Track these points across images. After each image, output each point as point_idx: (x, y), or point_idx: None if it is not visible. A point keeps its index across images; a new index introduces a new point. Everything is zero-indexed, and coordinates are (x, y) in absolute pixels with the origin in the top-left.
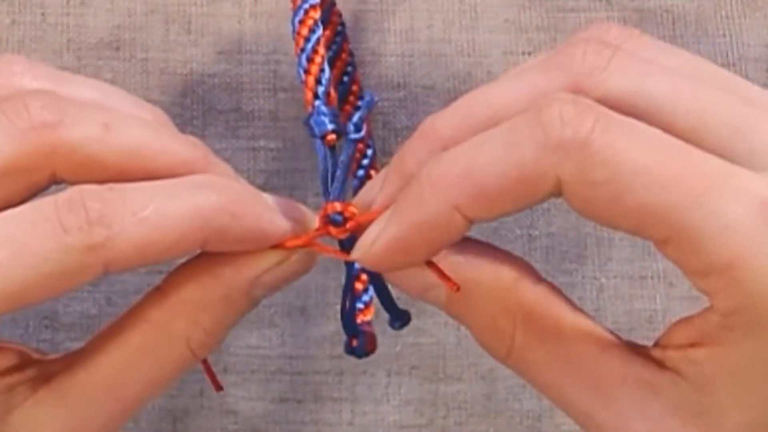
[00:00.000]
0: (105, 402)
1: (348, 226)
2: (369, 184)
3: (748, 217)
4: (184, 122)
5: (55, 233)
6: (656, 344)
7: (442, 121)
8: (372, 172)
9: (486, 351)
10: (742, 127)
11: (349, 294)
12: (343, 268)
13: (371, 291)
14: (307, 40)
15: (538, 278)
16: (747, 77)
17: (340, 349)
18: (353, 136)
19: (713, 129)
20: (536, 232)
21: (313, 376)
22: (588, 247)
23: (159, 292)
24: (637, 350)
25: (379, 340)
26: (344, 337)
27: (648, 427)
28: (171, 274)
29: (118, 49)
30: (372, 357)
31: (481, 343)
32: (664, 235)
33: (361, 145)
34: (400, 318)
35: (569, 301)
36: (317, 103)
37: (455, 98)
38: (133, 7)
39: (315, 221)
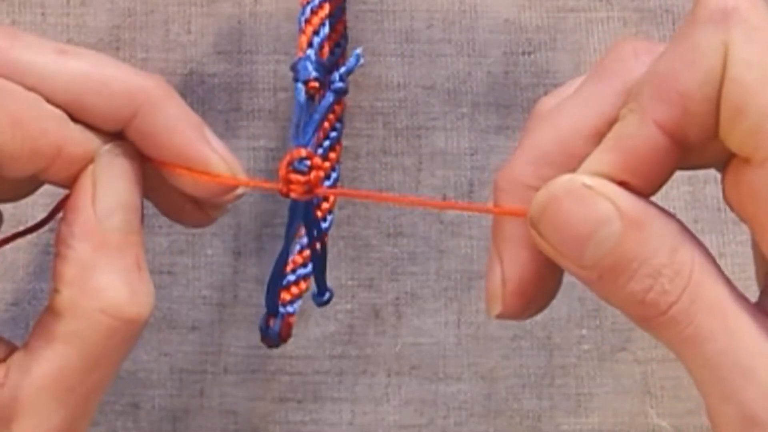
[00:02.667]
0: (55, 402)
1: (312, 175)
2: (489, 269)
3: None
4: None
5: None
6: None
7: (519, 166)
8: (338, 147)
9: (646, 304)
10: None
11: (280, 267)
12: (344, 269)
13: (308, 268)
14: None
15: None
16: None
17: (340, 349)
18: (337, 85)
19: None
20: None
21: (313, 376)
22: None
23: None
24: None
25: (379, 340)
26: (343, 336)
27: None
28: None
29: (118, 49)
30: (372, 357)
31: (643, 292)
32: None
33: (338, 108)
34: (323, 294)
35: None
36: (309, 51)
37: (455, 98)
38: (133, 7)
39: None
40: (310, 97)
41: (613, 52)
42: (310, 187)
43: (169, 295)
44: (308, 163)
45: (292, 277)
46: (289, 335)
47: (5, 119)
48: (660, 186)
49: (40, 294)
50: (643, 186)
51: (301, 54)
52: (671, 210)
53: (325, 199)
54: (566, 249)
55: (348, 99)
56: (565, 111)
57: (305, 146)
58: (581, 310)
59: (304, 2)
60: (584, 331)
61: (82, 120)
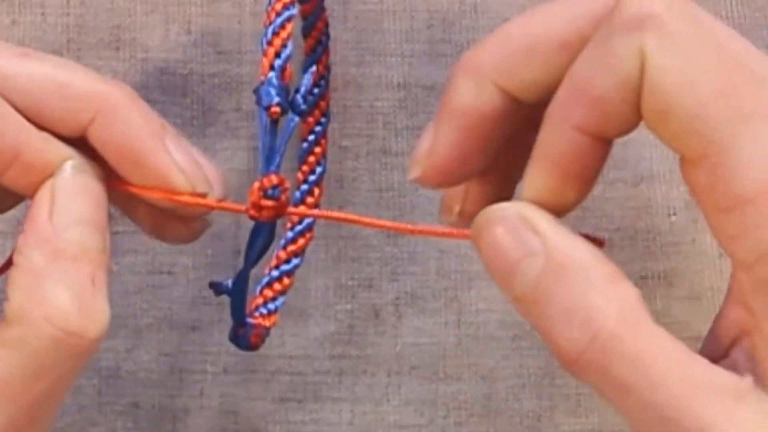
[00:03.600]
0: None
1: (282, 198)
2: (423, 135)
3: None
4: (184, 122)
5: None
6: (714, 349)
7: (482, 52)
8: (322, 141)
9: (558, 346)
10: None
11: (240, 285)
12: (343, 269)
13: (291, 264)
14: (279, 14)
15: (629, 282)
16: None
17: (340, 349)
18: (302, 107)
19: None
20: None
21: (313, 376)
22: None
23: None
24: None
25: (379, 340)
26: (343, 336)
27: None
28: None
29: (118, 49)
30: (372, 357)
31: (557, 334)
32: (704, 147)
33: (316, 112)
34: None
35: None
36: (270, 74)
37: None
38: (133, 7)
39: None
40: (274, 121)
41: None
42: (279, 211)
43: (169, 295)
44: (280, 189)
45: (275, 273)
46: (260, 339)
47: None
48: (595, 177)
49: None
50: (582, 185)
51: (262, 78)
52: (671, 209)
53: (302, 235)
54: (497, 274)
55: (348, 99)
56: (542, 14)
57: (275, 172)
58: None
59: (266, 23)
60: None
61: (41, 123)
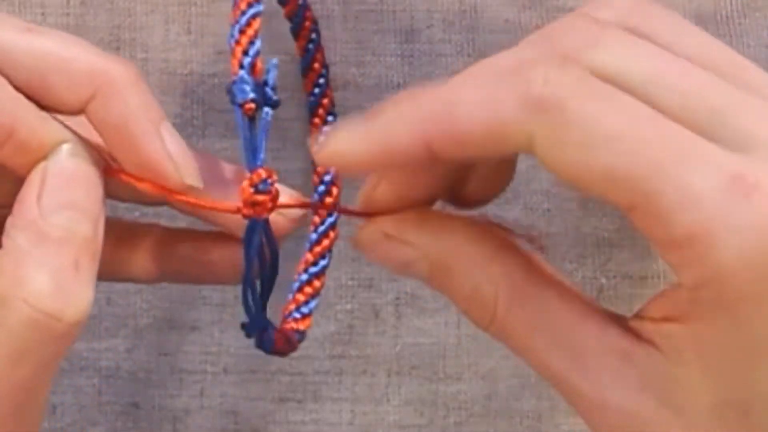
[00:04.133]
0: None
1: (273, 191)
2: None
3: (714, 190)
4: (184, 122)
5: None
6: (635, 315)
7: (419, 112)
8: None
9: (470, 320)
10: (724, 110)
11: (246, 288)
12: (344, 269)
13: (319, 266)
14: (243, 13)
15: (519, 246)
16: None
17: (340, 349)
18: (273, 98)
19: (693, 110)
20: (536, 233)
21: (313, 376)
22: (588, 247)
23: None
24: (616, 320)
25: (379, 340)
26: (343, 336)
27: (623, 397)
28: None
29: (118, 49)
30: (372, 357)
31: (464, 312)
32: (630, 202)
33: (321, 111)
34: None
35: (550, 268)
36: (241, 72)
37: None
38: (133, 7)
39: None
40: (250, 118)
41: (559, 23)
42: (273, 204)
43: (169, 295)
44: (270, 182)
45: (304, 277)
46: (289, 343)
47: None
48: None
49: None
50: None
51: (233, 76)
52: None
53: (326, 236)
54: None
55: (348, 99)
56: (496, 58)
57: (262, 166)
58: None
59: (232, 23)
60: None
61: (42, 98)
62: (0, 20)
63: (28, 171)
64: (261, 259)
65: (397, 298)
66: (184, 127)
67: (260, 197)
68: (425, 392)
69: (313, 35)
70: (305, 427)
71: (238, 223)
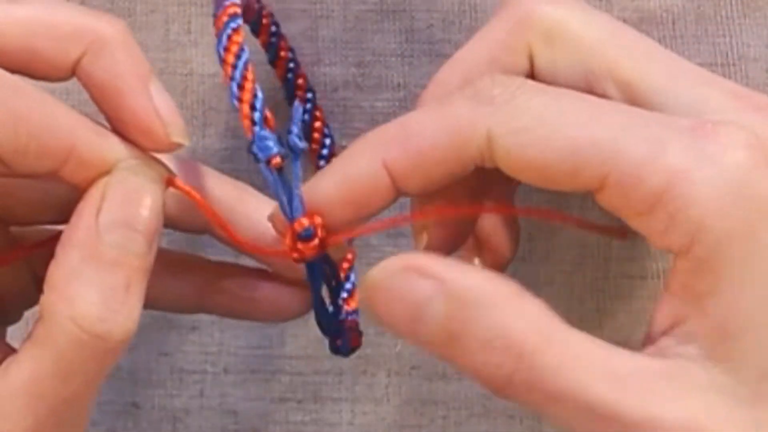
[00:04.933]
0: (24, 409)
1: (319, 233)
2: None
3: (677, 137)
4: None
5: None
6: (645, 343)
7: (425, 98)
8: (318, 115)
9: (485, 377)
10: (673, 75)
11: (333, 297)
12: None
13: (352, 278)
14: (235, 67)
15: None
16: (747, 77)
17: None
18: (301, 146)
19: (648, 73)
20: (536, 233)
21: (313, 376)
22: (588, 247)
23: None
24: (635, 351)
25: (379, 340)
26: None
27: (677, 412)
28: None
29: None
30: (372, 357)
31: (479, 368)
32: (599, 174)
33: (299, 93)
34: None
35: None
36: (256, 129)
37: None
38: (133, 7)
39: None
40: (279, 169)
41: (476, 81)
42: (323, 244)
43: None
44: (312, 228)
45: (348, 285)
46: (359, 339)
47: (7, 116)
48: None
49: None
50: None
51: (250, 135)
52: None
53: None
54: (400, 330)
55: (348, 99)
56: (468, 48)
57: (303, 214)
58: (581, 310)
59: (227, 82)
60: (584, 332)
61: (33, 67)
62: None
63: (89, 185)
64: (328, 283)
65: None
66: None
67: (307, 245)
68: (425, 392)
69: (273, 28)
70: (305, 427)
71: (286, 262)
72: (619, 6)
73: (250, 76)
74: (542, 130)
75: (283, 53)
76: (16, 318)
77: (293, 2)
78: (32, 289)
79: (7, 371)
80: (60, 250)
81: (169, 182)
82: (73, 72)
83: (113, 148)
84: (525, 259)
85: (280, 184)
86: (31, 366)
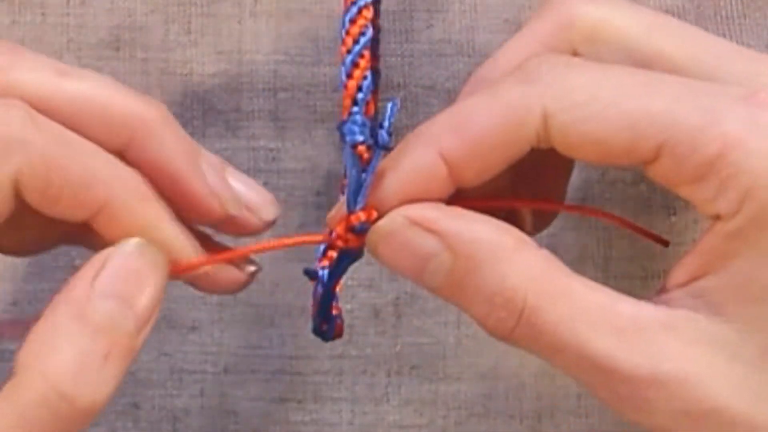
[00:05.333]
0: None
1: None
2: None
3: (733, 106)
4: (184, 122)
5: None
6: (659, 291)
7: (439, 134)
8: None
9: (489, 327)
10: (722, 56)
11: (328, 288)
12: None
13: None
14: (356, 42)
15: (536, 244)
16: None
17: (340, 349)
18: (387, 143)
19: (697, 56)
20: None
21: (313, 376)
22: (588, 247)
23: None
24: (643, 298)
25: (379, 340)
26: (343, 336)
27: (674, 364)
28: None
29: (118, 49)
30: (372, 357)
31: (484, 317)
32: (656, 142)
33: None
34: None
35: (564, 265)
36: (354, 110)
37: (455, 98)
38: (133, 7)
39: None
40: (360, 157)
41: (523, 64)
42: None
43: (169, 295)
44: (367, 225)
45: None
46: (343, 327)
47: (42, 163)
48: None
49: (40, 294)
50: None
51: (345, 114)
52: (671, 209)
53: None
54: (408, 277)
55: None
56: (508, 45)
57: (363, 209)
58: None
59: (343, 53)
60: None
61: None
62: (35, 62)
63: (115, 242)
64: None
65: (397, 298)
66: (184, 127)
67: (354, 237)
68: (425, 392)
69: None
70: (305, 427)
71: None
72: None
73: (367, 55)
74: (597, 105)
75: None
76: None
77: (293, 2)
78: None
79: None
80: (50, 305)
81: (174, 270)
82: (120, 152)
83: (147, 213)
84: None
85: (356, 172)
86: None
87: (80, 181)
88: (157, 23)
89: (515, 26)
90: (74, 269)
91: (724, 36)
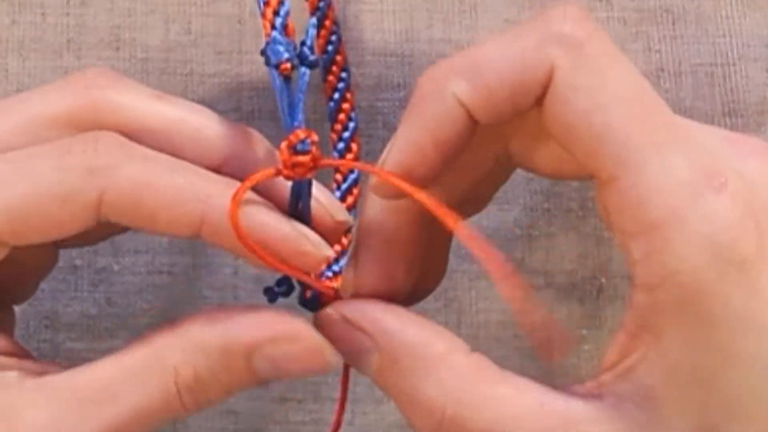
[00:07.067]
0: (84, 412)
1: (313, 150)
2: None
3: (691, 180)
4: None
5: (60, 153)
6: (595, 375)
7: (452, 68)
8: (347, 95)
9: (415, 428)
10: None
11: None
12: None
13: (343, 260)
14: None
15: (468, 349)
16: (747, 77)
17: None
18: (311, 58)
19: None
20: (536, 233)
21: (313, 376)
22: (588, 247)
23: (169, 323)
24: (572, 391)
25: None
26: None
27: None
28: (188, 314)
29: (118, 49)
30: None
31: (409, 417)
32: (614, 171)
33: (334, 68)
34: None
35: (498, 368)
36: (273, 33)
37: None
38: (133, 7)
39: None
40: (286, 78)
41: (548, 9)
42: (315, 164)
43: (169, 295)
44: (309, 141)
45: (329, 273)
46: (329, 299)
47: (131, 185)
48: (449, 162)
49: (40, 294)
50: (439, 159)
51: (266, 38)
52: None
53: (350, 192)
54: (347, 362)
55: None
56: (488, 45)
57: (300, 127)
58: (581, 310)
59: None
60: (584, 331)
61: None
62: (133, 87)
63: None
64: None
65: None
66: None
67: (299, 158)
68: None
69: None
70: (305, 427)
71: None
72: (619, 6)
73: None
74: (592, 101)
75: (327, 23)
76: (28, 296)
77: (293, 2)
78: (53, 258)
79: None
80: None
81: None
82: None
83: (255, 218)
84: (525, 259)
85: (285, 91)
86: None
87: (173, 196)
88: (157, 23)
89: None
90: (74, 269)
91: (724, 36)
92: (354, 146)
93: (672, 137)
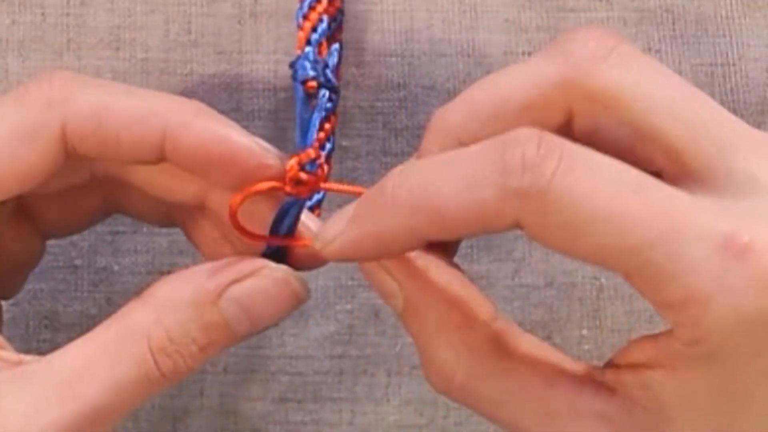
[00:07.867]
0: (63, 395)
1: (319, 172)
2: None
3: (707, 256)
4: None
5: (18, 95)
6: (611, 362)
7: (450, 113)
8: (332, 117)
9: (429, 380)
10: (726, 146)
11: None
12: (343, 269)
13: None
14: None
15: (491, 312)
16: (747, 77)
17: (340, 349)
18: (333, 82)
19: (698, 142)
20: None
21: (313, 376)
22: None
23: (137, 296)
24: (588, 375)
25: (379, 340)
26: (343, 336)
27: None
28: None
29: (118, 49)
30: (372, 357)
31: (423, 366)
32: (624, 272)
33: (322, 135)
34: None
35: (520, 335)
36: (308, 49)
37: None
38: (133, 7)
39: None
40: (309, 95)
41: (569, 35)
42: (317, 185)
43: None
44: (317, 163)
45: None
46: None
47: (89, 109)
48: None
49: (40, 294)
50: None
51: (299, 52)
52: None
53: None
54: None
55: (348, 99)
56: (507, 75)
57: (312, 146)
58: (581, 310)
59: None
60: (584, 331)
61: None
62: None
63: (202, 172)
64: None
65: None
66: None
67: (305, 177)
68: (425, 392)
69: (338, 14)
70: (305, 427)
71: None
72: (619, 6)
73: (324, 4)
74: (572, 231)
75: (338, 34)
76: (16, 290)
77: (293, 2)
78: (38, 249)
79: None
80: (176, 275)
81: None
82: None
83: (211, 127)
84: (525, 259)
85: (304, 108)
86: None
87: (132, 116)
88: (157, 23)
89: (515, 26)
90: (74, 269)
91: (724, 36)
92: (325, 168)
93: (669, 223)
